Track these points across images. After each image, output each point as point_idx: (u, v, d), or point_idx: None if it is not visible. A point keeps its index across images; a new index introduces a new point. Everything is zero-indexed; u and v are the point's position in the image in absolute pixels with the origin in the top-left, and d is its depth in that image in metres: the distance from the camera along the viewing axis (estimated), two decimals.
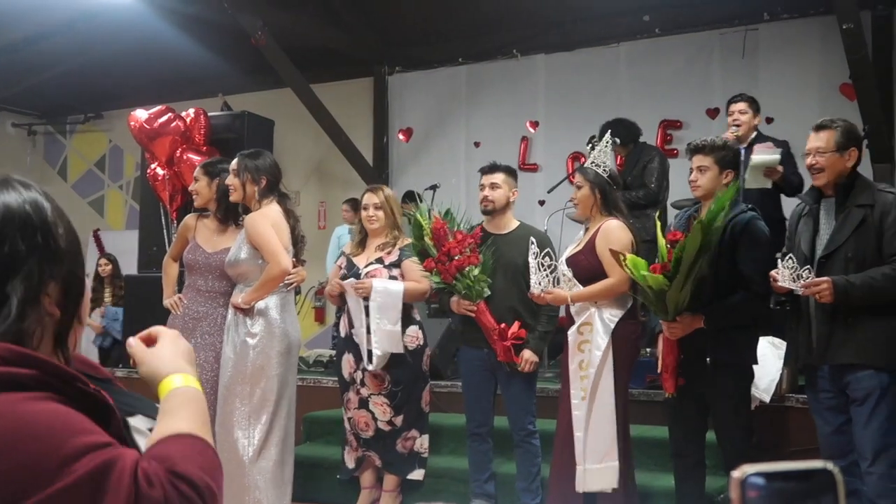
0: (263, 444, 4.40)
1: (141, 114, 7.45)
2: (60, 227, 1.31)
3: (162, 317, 4.82)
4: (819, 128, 3.86)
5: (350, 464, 5.17)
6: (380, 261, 4.94)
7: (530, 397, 4.74)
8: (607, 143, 4.51)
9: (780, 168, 5.25)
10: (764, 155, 5.29)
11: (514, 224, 4.83)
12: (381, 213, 4.97)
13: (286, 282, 4.53)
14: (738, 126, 5.71)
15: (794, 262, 3.76)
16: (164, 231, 7.60)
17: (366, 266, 4.95)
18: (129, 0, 7.85)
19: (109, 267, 8.82)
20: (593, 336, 4.15)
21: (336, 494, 5.43)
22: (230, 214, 4.78)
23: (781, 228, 4.60)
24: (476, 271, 4.61)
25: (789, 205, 4.96)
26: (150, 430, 1.30)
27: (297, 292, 4.79)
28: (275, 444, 4.44)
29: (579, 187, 4.39)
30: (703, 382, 4.01)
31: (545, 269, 4.29)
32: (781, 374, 4.98)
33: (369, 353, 4.79)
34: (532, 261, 4.32)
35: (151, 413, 1.34)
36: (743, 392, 4.11)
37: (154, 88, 9.82)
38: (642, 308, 4.45)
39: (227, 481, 4.37)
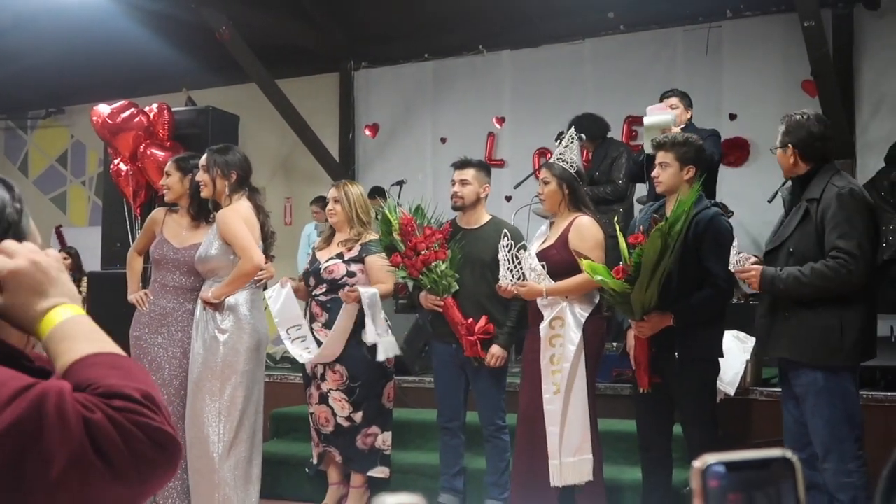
0: (233, 440, 4.38)
1: (103, 109, 7.36)
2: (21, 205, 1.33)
3: (126, 313, 4.77)
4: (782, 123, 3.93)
5: (315, 459, 5.17)
6: (339, 256, 4.94)
7: (500, 393, 4.75)
8: (573, 138, 4.51)
9: (674, 129, 5.06)
10: (656, 116, 5.21)
11: (485, 219, 4.83)
12: (338, 207, 4.96)
13: (256, 278, 4.51)
14: None
15: (737, 250, 3.85)
16: (128, 227, 7.52)
17: (326, 261, 4.96)
18: None
19: (69, 261, 8.73)
20: (565, 331, 4.16)
21: (304, 491, 5.41)
22: (202, 211, 4.73)
23: None
24: (443, 266, 4.61)
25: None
26: None
27: (264, 288, 4.75)
28: (244, 441, 4.41)
29: (546, 182, 4.39)
30: (669, 376, 4.05)
31: (516, 262, 4.30)
32: (745, 367, 5.03)
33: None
34: (502, 253, 4.32)
35: None
36: (709, 385, 4.14)
37: (117, 83, 9.70)
38: (607, 305, 4.48)
39: (198, 478, 4.38)
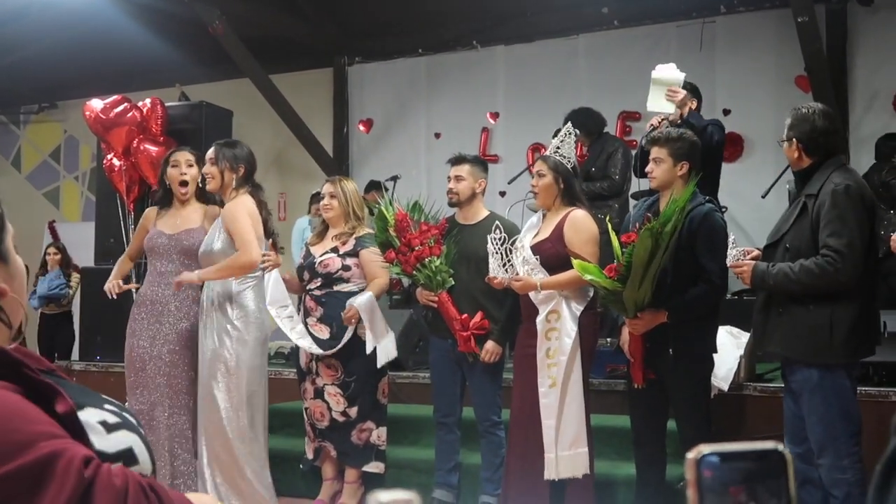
0: (250, 429, 4.50)
1: (96, 104, 7.34)
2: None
3: (120, 309, 4.78)
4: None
5: (309, 454, 5.17)
6: (335, 250, 4.96)
7: (495, 388, 4.75)
8: (569, 132, 4.49)
9: (681, 91, 4.96)
10: (665, 72, 5.12)
11: (483, 215, 4.82)
12: (335, 203, 4.98)
13: (261, 265, 4.54)
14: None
15: (734, 244, 3.88)
16: (121, 222, 7.50)
17: (321, 255, 4.97)
18: None
19: (58, 256, 8.72)
20: (561, 324, 4.15)
21: (299, 487, 5.41)
22: (200, 198, 4.81)
23: None
24: (437, 262, 4.61)
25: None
26: (100, 423, 1.26)
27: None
28: (260, 431, 4.57)
29: (542, 176, 4.36)
30: (663, 371, 4.05)
31: (508, 256, 4.29)
32: (739, 363, 5.04)
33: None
34: (492, 246, 4.31)
35: (99, 405, 1.31)
36: (703, 381, 4.15)
37: (110, 78, 9.69)
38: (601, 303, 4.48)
39: (221, 468, 4.40)
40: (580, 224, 4.26)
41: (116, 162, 7.39)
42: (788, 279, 3.66)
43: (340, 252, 4.94)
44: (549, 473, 4.13)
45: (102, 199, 7.91)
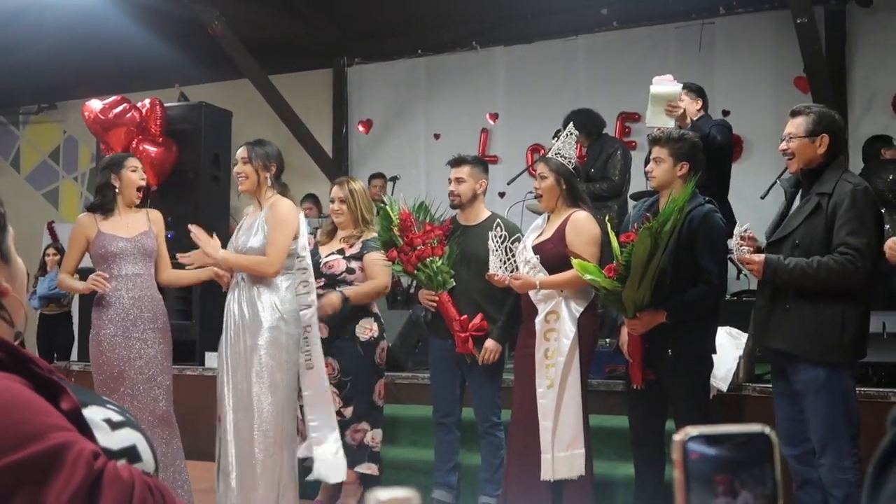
0: (284, 425, 4.42)
1: (95, 104, 7.34)
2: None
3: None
4: (794, 113, 3.86)
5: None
6: (341, 252, 4.96)
7: (495, 389, 4.74)
8: (570, 133, 4.48)
9: (681, 104, 5.03)
10: (663, 86, 5.14)
11: (484, 215, 4.81)
12: (345, 207, 4.98)
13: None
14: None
15: (739, 236, 3.84)
16: None
17: (327, 256, 4.98)
18: None
19: (58, 257, 8.71)
20: (560, 325, 4.15)
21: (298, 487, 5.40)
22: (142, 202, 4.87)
23: None
24: (439, 262, 4.61)
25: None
26: (105, 420, 1.28)
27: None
28: (293, 426, 4.51)
29: (543, 178, 4.35)
30: (662, 371, 4.05)
31: (509, 254, 4.29)
32: (738, 364, 5.04)
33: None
34: (492, 244, 4.30)
35: (102, 404, 1.32)
36: (702, 381, 4.15)
37: (109, 79, 9.68)
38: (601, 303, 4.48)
39: (251, 464, 4.33)
40: (581, 225, 4.26)
41: None
42: (805, 274, 3.64)
43: (346, 254, 4.94)
44: (546, 474, 4.13)
45: None
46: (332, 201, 5.04)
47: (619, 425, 4.71)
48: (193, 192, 7.23)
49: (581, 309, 4.20)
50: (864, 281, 3.64)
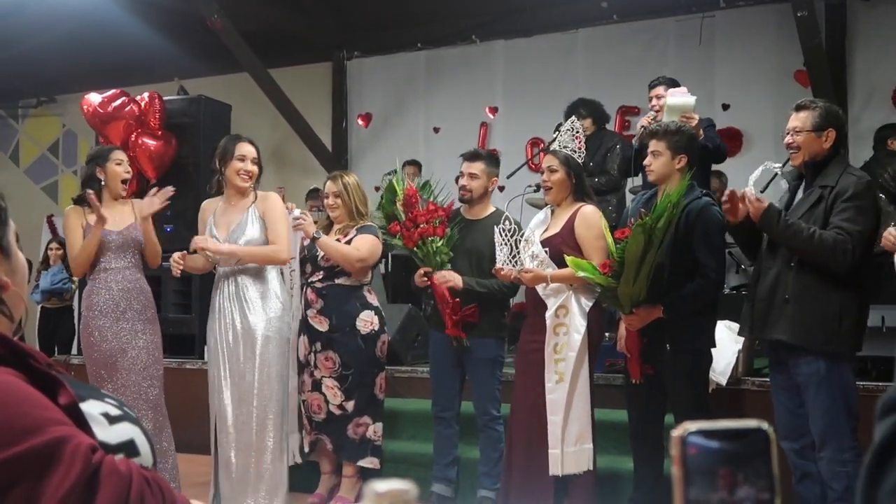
0: (279, 415, 4.59)
1: (94, 98, 7.32)
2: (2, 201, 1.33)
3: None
4: (798, 108, 3.86)
5: (305, 447, 5.18)
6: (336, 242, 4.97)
7: (495, 383, 4.74)
8: (572, 125, 4.42)
9: (695, 115, 5.10)
10: (679, 98, 5.18)
11: (488, 211, 4.80)
12: (339, 201, 4.99)
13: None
14: (657, 111, 5.80)
15: (755, 177, 3.86)
16: None
17: None
18: None
19: (60, 251, 8.71)
20: (571, 319, 4.13)
21: (297, 480, 5.40)
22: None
23: None
24: (439, 242, 4.63)
25: None
26: (102, 414, 1.28)
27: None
28: (283, 417, 4.67)
29: (553, 171, 4.31)
30: (661, 365, 4.05)
31: (516, 249, 4.27)
32: (737, 357, 5.05)
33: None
34: (499, 237, 4.28)
35: (100, 398, 1.32)
36: (701, 375, 4.15)
37: (108, 72, 9.67)
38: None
39: (247, 453, 4.39)
40: (591, 219, 4.24)
41: None
42: (799, 235, 3.63)
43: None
44: (554, 469, 4.10)
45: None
46: (327, 196, 5.04)
47: (620, 419, 4.71)
48: (193, 186, 7.20)
49: (590, 303, 4.18)
50: (848, 267, 3.62)
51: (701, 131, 5.18)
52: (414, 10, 9.10)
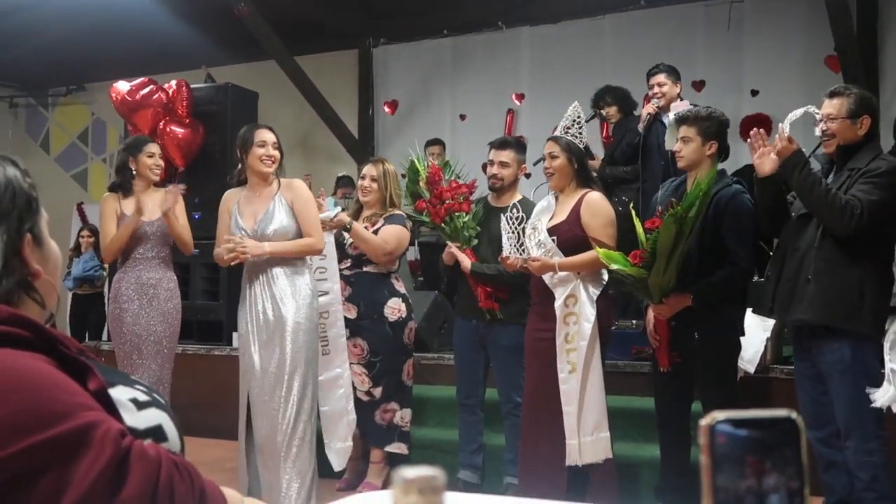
0: (303, 405, 4.40)
1: (122, 86, 7.38)
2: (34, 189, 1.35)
3: None
4: (832, 94, 3.83)
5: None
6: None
7: (518, 370, 4.71)
8: (574, 110, 4.34)
9: (663, 88, 5.13)
10: (682, 111, 5.19)
11: (516, 198, 4.76)
12: (375, 186, 5.01)
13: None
14: (659, 98, 5.79)
15: (790, 120, 3.88)
16: None
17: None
18: None
19: (92, 238, 8.79)
20: (580, 308, 4.09)
21: (324, 466, 5.44)
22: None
23: None
24: (466, 218, 4.66)
25: None
26: (131, 400, 1.29)
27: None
28: (312, 408, 4.54)
29: (554, 157, 4.25)
30: (689, 354, 4.03)
31: (522, 237, 4.22)
32: (766, 345, 5.02)
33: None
34: (507, 224, 4.23)
35: (130, 384, 1.33)
36: (730, 363, 4.13)
37: (136, 61, 9.73)
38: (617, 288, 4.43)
39: (272, 446, 4.36)
40: (597, 207, 4.18)
41: None
42: (817, 186, 3.62)
43: (370, 231, 4.95)
44: (572, 460, 4.05)
45: None
46: (363, 178, 5.05)
47: (644, 406, 4.70)
48: (220, 173, 7.24)
49: (598, 292, 4.13)
50: (851, 232, 3.58)
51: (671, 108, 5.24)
52: None
